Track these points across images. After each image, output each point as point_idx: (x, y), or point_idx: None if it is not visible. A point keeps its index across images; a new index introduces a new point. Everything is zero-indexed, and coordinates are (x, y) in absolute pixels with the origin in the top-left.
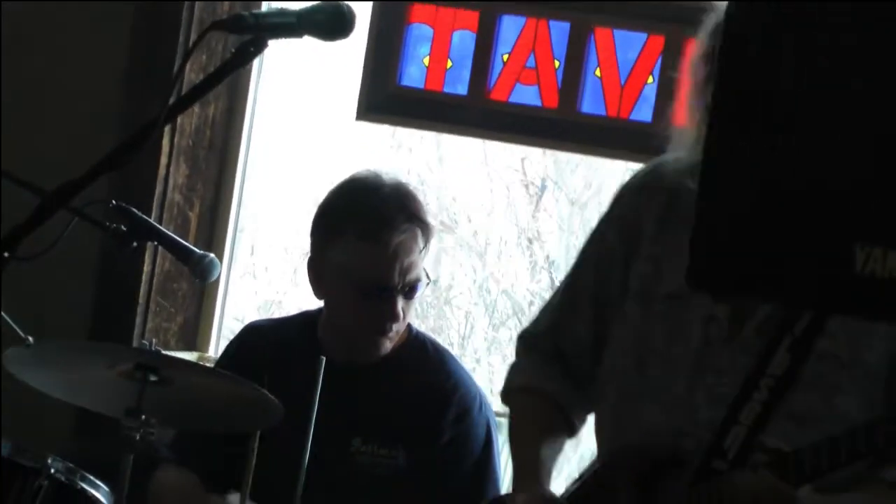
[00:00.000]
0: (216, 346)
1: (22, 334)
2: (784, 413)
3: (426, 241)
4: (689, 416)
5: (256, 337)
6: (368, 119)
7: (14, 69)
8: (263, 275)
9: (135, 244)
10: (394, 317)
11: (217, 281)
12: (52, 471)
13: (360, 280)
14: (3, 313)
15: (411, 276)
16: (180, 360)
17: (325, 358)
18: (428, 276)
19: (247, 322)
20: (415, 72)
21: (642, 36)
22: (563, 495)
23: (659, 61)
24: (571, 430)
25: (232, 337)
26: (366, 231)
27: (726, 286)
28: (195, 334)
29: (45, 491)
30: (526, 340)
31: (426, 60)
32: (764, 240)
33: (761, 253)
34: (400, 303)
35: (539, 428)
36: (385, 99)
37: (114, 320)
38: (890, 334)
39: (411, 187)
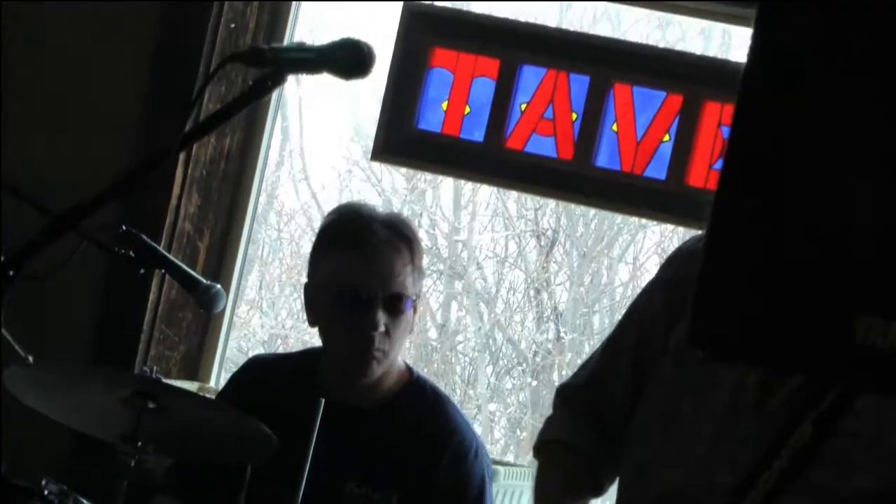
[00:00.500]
0: (218, 378)
1: (22, 353)
2: (801, 486)
3: (412, 259)
4: (708, 479)
5: (259, 370)
6: (383, 160)
7: (33, 90)
8: (270, 310)
9: (142, 271)
10: (373, 325)
11: (222, 312)
12: (46, 492)
13: (341, 288)
14: (3, 331)
15: (392, 286)
16: (179, 389)
17: (324, 400)
18: (417, 297)
19: (251, 354)
20: (432, 116)
21: (661, 94)
22: None
23: (676, 120)
24: (598, 490)
25: (234, 369)
26: (348, 240)
27: (725, 348)
28: (197, 364)
29: None
30: (563, 394)
31: (444, 105)
32: (766, 303)
33: (762, 317)
34: (382, 316)
35: (564, 481)
36: (401, 141)
37: (116, 346)
38: None
39: (401, 215)
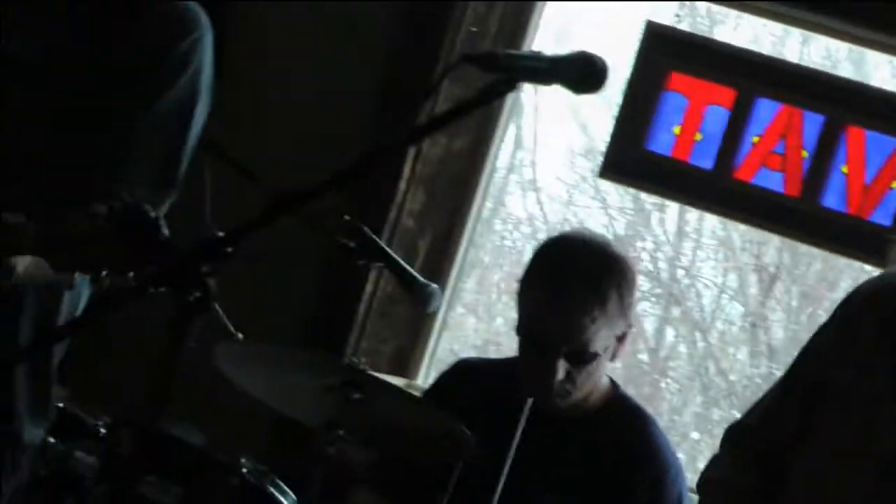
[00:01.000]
0: (426, 377)
1: (233, 330)
2: None
3: (604, 313)
4: None
5: (467, 373)
6: (610, 178)
7: (270, 82)
8: (486, 315)
9: (361, 262)
10: (551, 374)
11: (437, 312)
12: (244, 470)
13: (528, 331)
14: (217, 306)
15: (575, 342)
16: (386, 383)
17: (531, 400)
18: (624, 332)
19: (461, 357)
20: (664, 138)
21: (894, 141)
22: None
23: None
24: None
25: (443, 369)
26: (543, 287)
27: None
28: (407, 361)
29: (235, 488)
30: (733, 433)
31: (676, 129)
32: None
33: None
34: (563, 364)
35: None
36: (630, 161)
37: (328, 334)
38: None
39: (614, 255)
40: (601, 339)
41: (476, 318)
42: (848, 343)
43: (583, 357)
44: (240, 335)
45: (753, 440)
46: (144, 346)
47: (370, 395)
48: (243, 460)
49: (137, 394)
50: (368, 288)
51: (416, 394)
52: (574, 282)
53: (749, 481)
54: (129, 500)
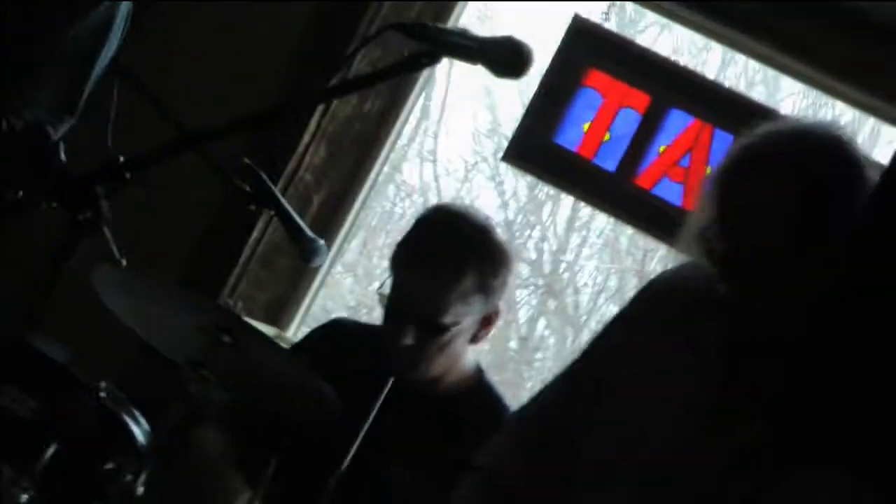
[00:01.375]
0: (296, 330)
1: (117, 255)
2: None
3: (460, 287)
4: None
5: (339, 334)
6: (513, 164)
7: (188, 36)
8: (364, 278)
9: (253, 207)
10: (398, 337)
11: (317, 268)
12: (102, 393)
13: (386, 296)
14: (106, 229)
15: (423, 307)
16: (257, 331)
17: (392, 379)
18: (475, 338)
19: (334, 316)
20: (572, 133)
21: None
22: None
23: None
24: None
25: (315, 325)
26: (408, 252)
27: None
28: (281, 312)
29: (90, 410)
30: (516, 420)
31: (586, 126)
32: None
33: None
34: (411, 331)
35: None
36: (535, 150)
37: (208, 273)
38: None
39: (488, 237)
40: (453, 312)
41: (354, 279)
42: (635, 339)
43: (431, 325)
44: (124, 261)
45: (537, 428)
46: (29, 261)
47: (240, 340)
48: (103, 384)
49: (10, 305)
50: (255, 234)
51: (285, 345)
52: (437, 250)
53: (521, 468)
54: None
